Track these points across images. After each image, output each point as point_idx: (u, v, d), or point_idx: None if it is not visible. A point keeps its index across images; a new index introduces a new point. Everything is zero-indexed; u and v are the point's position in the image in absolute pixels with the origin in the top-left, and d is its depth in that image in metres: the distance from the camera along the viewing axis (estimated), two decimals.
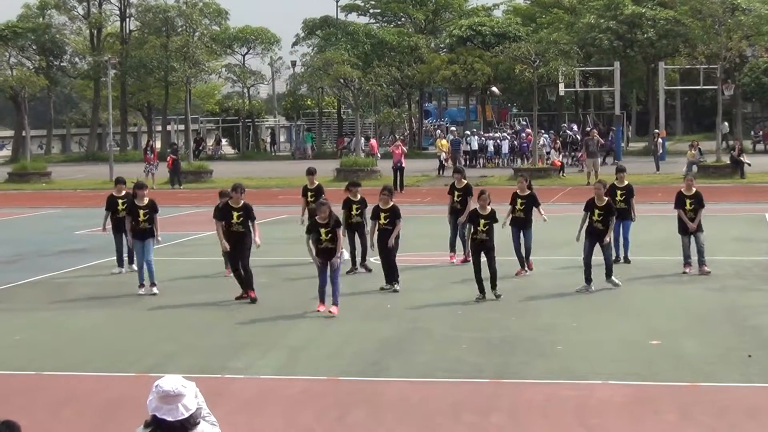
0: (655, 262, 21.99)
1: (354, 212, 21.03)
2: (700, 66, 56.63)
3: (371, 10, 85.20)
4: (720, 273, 20.63)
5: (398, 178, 44.59)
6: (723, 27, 52.56)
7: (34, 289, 20.70)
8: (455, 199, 22.35)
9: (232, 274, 19.18)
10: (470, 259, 19.38)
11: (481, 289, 18.14)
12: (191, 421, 6.03)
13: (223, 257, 20.71)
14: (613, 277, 19.11)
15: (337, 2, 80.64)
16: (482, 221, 18.17)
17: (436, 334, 15.66)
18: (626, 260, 22.00)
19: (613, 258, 21.13)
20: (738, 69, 66.02)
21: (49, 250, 26.51)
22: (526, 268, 21.00)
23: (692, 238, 20.65)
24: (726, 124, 71.19)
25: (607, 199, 19.39)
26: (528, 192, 21.24)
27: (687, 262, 20.73)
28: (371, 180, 48.14)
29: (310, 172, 23.25)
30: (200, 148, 74.64)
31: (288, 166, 58.65)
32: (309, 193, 22.72)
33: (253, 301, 18.28)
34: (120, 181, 22.35)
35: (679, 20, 64.56)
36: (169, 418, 6.01)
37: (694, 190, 20.92)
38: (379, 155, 56.32)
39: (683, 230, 20.79)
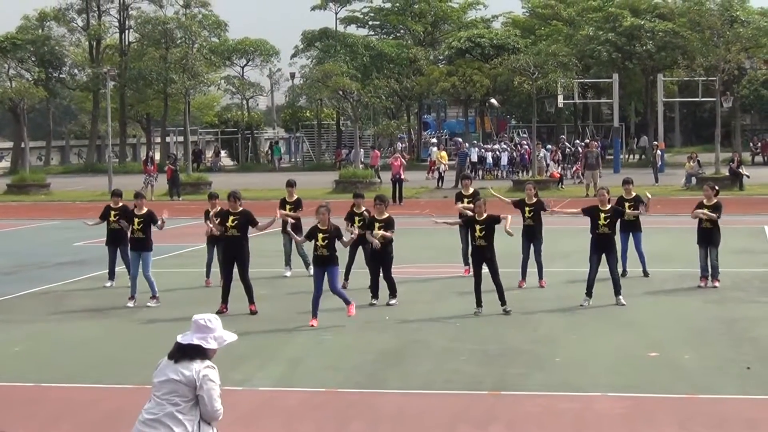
0: (654, 274, 21.97)
1: (356, 225, 19.86)
2: (698, 78, 56.69)
3: (370, 23, 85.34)
4: (719, 285, 20.62)
5: (397, 190, 44.57)
6: (721, 39, 52.64)
7: (33, 300, 20.69)
8: (465, 205, 22.05)
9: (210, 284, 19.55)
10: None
11: (479, 302, 18.09)
12: (196, 348, 7.38)
13: (208, 266, 21.06)
14: (620, 297, 18.82)
15: (336, 14, 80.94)
16: (478, 227, 18.04)
17: (434, 345, 15.67)
18: (645, 274, 21.82)
19: (620, 272, 21.16)
20: (736, 81, 66.04)
21: (48, 262, 26.51)
22: (540, 283, 20.89)
23: (708, 252, 20.51)
24: (645, 137, 71.48)
25: (611, 204, 19.08)
26: (535, 200, 21.12)
27: (704, 275, 20.58)
28: (370, 192, 48.17)
29: (290, 185, 23.27)
30: (199, 160, 74.60)
31: (287, 178, 58.59)
32: (287, 206, 22.70)
33: (253, 313, 18.37)
34: (116, 194, 22.20)
35: (678, 32, 64.69)
36: (179, 340, 7.47)
37: (714, 200, 20.73)
38: (377, 166, 56.32)
39: (701, 241, 20.65)
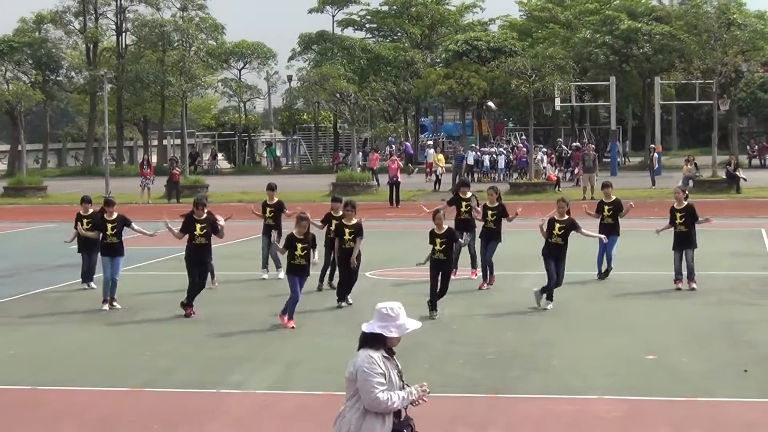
0: (651, 277, 21.98)
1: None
2: (695, 81, 56.68)
3: (367, 25, 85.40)
4: (716, 288, 20.63)
5: (394, 193, 44.58)
6: (718, 42, 52.68)
7: (29, 303, 20.66)
8: (462, 209, 21.99)
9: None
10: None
11: (433, 307, 18.02)
12: (376, 337, 7.55)
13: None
14: (544, 297, 18.62)
15: (333, 17, 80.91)
16: (438, 240, 18.00)
17: (431, 348, 15.64)
18: (607, 273, 21.82)
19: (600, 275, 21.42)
20: (734, 84, 66.08)
21: (45, 265, 26.49)
22: (486, 284, 20.95)
23: (684, 254, 20.61)
24: (618, 143, 71.61)
25: (568, 216, 18.95)
26: (497, 204, 21.15)
27: (678, 278, 20.69)
28: (367, 195, 48.24)
29: (270, 188, 23.37)
30: (195, 162, 74.59)
31: (284, 180, 58.53)
32: (268, 209, 22.81)
33: (187, 316, 18.47)
34: (86, 200, 22.38)
35: (675, 35, 64.69)
36: (363, 329, 7.55)
37: (685, 203, 20.86)
38: (376, 169, 56.31)
39: (676, 246, 20.77)
